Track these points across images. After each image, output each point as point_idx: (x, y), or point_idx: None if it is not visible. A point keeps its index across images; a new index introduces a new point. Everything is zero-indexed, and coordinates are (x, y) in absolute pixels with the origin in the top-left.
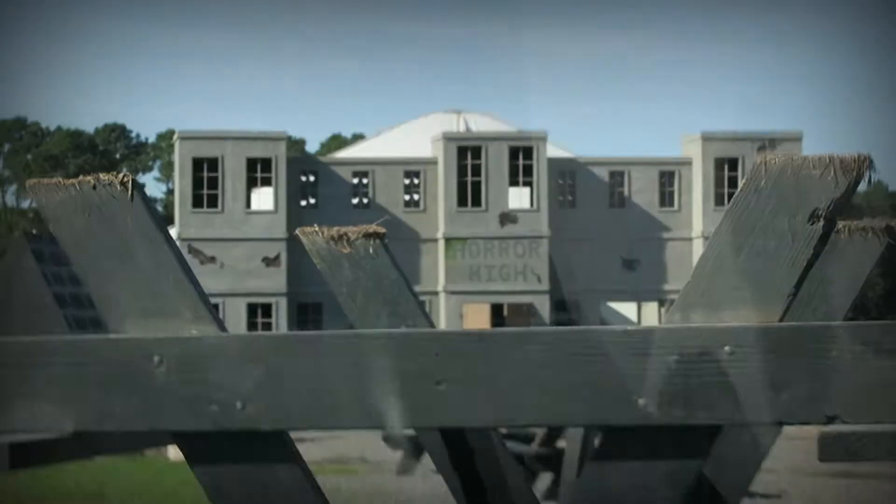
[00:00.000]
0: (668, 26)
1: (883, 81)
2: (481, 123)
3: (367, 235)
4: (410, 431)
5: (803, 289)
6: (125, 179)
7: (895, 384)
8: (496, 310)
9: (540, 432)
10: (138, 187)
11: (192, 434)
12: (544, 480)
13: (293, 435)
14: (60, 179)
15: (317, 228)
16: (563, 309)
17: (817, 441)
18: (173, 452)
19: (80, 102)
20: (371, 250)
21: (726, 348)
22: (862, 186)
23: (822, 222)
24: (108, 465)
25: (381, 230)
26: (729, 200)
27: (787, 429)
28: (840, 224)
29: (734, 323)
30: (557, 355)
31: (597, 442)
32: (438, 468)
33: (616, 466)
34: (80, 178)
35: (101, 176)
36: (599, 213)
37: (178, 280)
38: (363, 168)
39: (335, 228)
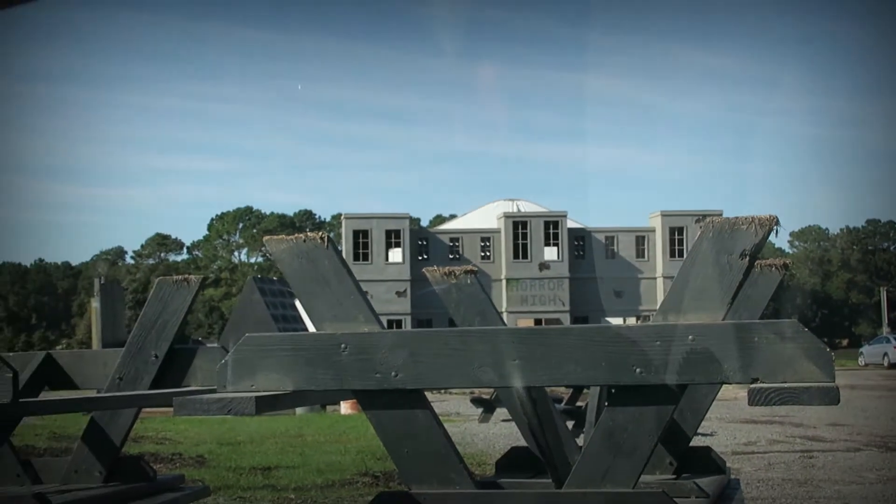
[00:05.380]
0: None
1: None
2: (526, 206)
3: (467, 272)
4: (489, 391)
5: (734, 302)
6: (323, 236)
7: (795, 358)
8: (537, 323)
9: (566, 395)
10: (331, 241)
11: (365, 391)
12: (568, 427)
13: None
14: (284, 236)
15: (436, 268)
16: (578, 322)
17: (748, 394)
18: (344, 408)
19: (280, 196)
20: (468, 281)
21: (690, 337)
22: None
23: (747, 259)
24: (303, 416)
25: (475, 269)
26: (679, 255)
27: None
28: (756, 262)
29: (695, 322)
30: (585, 342)
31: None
32: (512, 415)
33: (622, 410)
34: (295, 235)
35: (309, 234)
36: (600, 262)
37: (356, 298)
38: (456, 235)
39: (446, 268)
